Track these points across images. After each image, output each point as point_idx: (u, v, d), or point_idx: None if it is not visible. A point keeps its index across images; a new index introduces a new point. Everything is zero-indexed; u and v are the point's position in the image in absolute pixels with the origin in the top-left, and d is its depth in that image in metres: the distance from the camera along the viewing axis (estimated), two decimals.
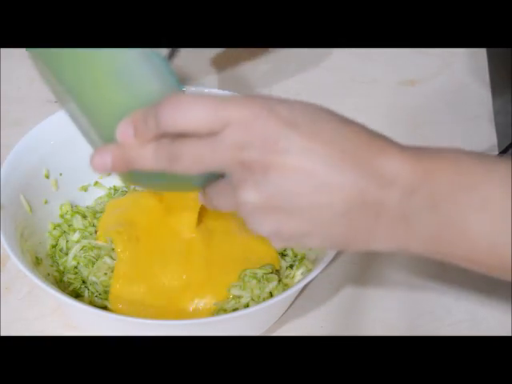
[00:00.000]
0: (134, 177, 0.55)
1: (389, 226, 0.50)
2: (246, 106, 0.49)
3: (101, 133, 0.54)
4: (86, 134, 0.59)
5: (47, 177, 0.72)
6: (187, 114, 0.49)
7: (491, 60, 0.94)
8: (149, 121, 0.50)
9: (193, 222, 0.68)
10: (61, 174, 0.73)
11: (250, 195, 0.50)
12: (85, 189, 0.76)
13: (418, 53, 0.94)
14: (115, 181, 0.77)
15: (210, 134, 0.49)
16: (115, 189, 0.77)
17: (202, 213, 0.71)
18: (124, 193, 0.76)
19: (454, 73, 0.94)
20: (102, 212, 0.73)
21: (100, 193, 0.77)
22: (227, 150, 0.49)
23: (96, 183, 0.76)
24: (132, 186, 0.76)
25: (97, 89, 0.52)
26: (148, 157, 0.51)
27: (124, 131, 0.51)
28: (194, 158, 0.50)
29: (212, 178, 0.54)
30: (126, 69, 0.51)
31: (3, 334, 0.66)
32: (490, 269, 0.51)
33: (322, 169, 0.49)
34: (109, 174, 0.70)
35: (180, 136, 0.50)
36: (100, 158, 0.52)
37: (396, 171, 0.49)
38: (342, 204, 0.49)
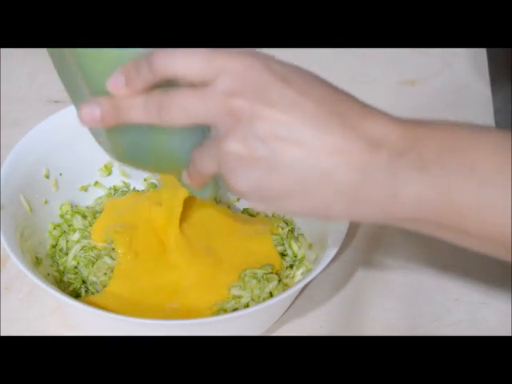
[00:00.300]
0: (122, 150, 0.55)
1: (374, 189, 0.48)
2: (241, 57, 0.49)
3: (93, 88, 0.54)
4: (77, 96, 0.58)
5: (47, 177, 0.72)
6: (180, 60, 0.49)
7: (491, 60, 0.94)
8: (141, 68, 0.50)
9: (177, 237, 0.69)
10: (61, 174, 0.73)
11: (234, 145, 0.49)
12: (85, 189, 0.76)
13: (418, 53, 0.94)
14: (115, 181, 0.77)
15: (202, 85, 0.49)
16: (115, 189, 0.77)
17: (204, 213, 0.71)
18: (124, 193, 0.76)
19: (454, 73, 0.94)
20: (101, 212, 0.73)
21: (100, 193, 0.77)
22: (217, 97, 0.48)
23: (96, 183, 0.76)
24: (126, 167, 0.75)
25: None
26: (138, 107, 0.51)
27: (115, 81, 0.51)
28: (183, 107, 0.49)
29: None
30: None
31: (3, 334, 0.66)
32: (479, 241, 0.50)
33: (310, 126, 0.48)
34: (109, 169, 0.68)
35: (171, 87, 0.50)
36: (89, 109, 0.52)
37: (384, 135, 0.48)
38: (326, 163, 0.48)
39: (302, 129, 0.48)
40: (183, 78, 0.49)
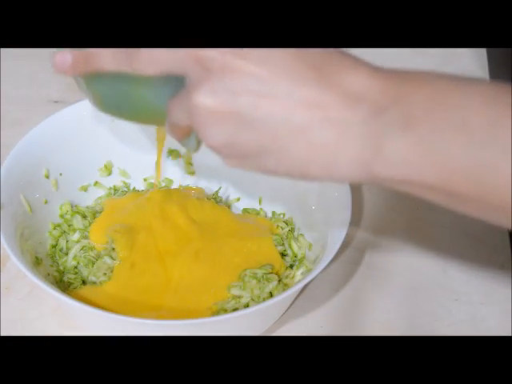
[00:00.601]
0: (101, 100, 0.56)
1: (353, 147, 0.45)
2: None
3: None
4: None
5: (47, 177, 0.72)
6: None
7: (491, 60, 0.94)
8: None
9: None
10: (61, 174, 0.73)
11: (204, 98, 0.46)
12: (85, 189, 0.76)
13: (418, 53, 0.94)
14: (115, 181, 0.77)
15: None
16: (115, 189, 0.77)
17: (203, 213, 0.71)
18: (124, 193, 0.76)
19: (454, 73, 0.94)
20: (101, 212, 0.73)
21: (100, 193, 0.77)
22: (188, 47, 0.47)
23: (96, 183, 0.76)
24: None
25: None
26: (107, 55, 0.51)
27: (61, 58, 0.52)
28: (152, 54, 0.49)
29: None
30: None
31: (3, 334, 0.66)
32: (473, 205, 0.46)
33: (284, 78, 0.45)
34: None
35: None
36: (61, 56, 0.52)
37: (364, 88, 0.45)
38: (301, 119, 0.45)
39: (275, 81, 0.45)
40: None
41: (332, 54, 0.47)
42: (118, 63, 0.50)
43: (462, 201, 0.46)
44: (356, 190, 0.78)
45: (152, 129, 0.67)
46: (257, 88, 0.46)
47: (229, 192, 0.78)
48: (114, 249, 0.68)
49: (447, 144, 0.44)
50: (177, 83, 0.51)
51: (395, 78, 0.46)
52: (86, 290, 0.67)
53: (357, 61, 0.47)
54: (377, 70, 0.46)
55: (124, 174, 0.78)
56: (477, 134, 0.43)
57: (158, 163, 0.69)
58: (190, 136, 0.54)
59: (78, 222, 0.72)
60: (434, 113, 0.44)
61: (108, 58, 0.51)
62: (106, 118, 0.75)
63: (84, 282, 0.68)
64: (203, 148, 0.75)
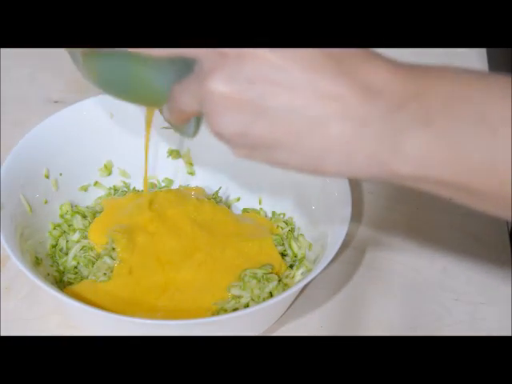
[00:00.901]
0: (99, 76, 0.54)
1: (371, 142, 0.44)
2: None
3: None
4: None
5: (47, 177, 0.72)
6: None
7: (491, 60, 0.94)
8: None
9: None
10: (61, 174, 0.73)
11: (219, 84, 0.45)
12: (85, 189, 0.76)
13: (418, 53, 0.93)
14: (115, 181, 0.77)
15: None
16: (115, 189, 0.77)
17: (204, 214, 0.71)
18: (124, 193, 0.76)
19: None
20: (101, 212, 0.73)
21: (100, 193, 0.77)
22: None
23: (96, 183, 0.76)
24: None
25: None
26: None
27: None
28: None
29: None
30: None
31: (3, 334, 0.66)
32: (486, 200, 0.45)
33: (302, 69, 0.44)
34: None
35: None
36: None
37: (384, 83, 0.44)
38: (318, 111, 0.44)
39: (293, 72, 0.44)
40: None
41: (355, 50, 0.46)
42: None
43: (481, 198, 0.45)
44: (356, 190, 0.78)
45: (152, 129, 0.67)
46: (274, 77, 0.44)
47: (229, 192, 0.78)
48: (114, 249, 0.68)
49: (468, 140, 0.43)
50: (182, 67, 0.49)
51: (415, 73, 0.45)
52: (84, 287, 0.67)
53: (377, 56, 0.46)
54: (396, 65, 0.45)
55: (124, 174, 0.78)
56: (497, 130, 0.43)
57: (146, 147, 0.67)
58: (188, 122, 0.53)
59: (77, 222, 0.72)
60: (453, 107, 0.44)
61: None
62: (106, 118, 0.75)
63: None
64: (203, 148, 0.76)
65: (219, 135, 0.47)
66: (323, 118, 0.44)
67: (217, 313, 0.65)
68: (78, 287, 0.67)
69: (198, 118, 0.53)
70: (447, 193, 0.46)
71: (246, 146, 0.46)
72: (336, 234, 0.65)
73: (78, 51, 0.52)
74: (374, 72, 0.45)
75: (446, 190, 0.46)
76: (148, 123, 0.66)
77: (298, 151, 0.45)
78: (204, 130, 0.51)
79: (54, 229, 0.72)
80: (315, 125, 0.44)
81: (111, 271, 0.67)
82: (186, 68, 0.49)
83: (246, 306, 0.66)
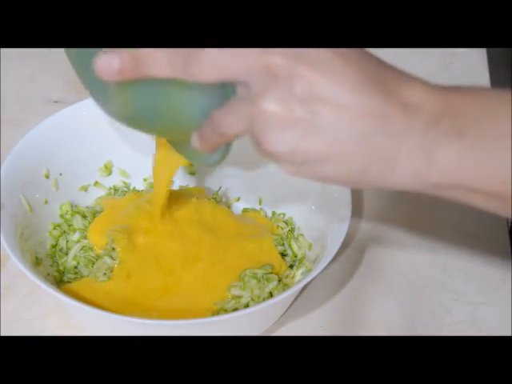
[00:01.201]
0: (129, 108, 0.51)
1: (410, 155, 0.48)
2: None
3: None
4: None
5: (47, 177, 0.72)
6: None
7: (491, 60, 0.94)
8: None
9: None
10: (61, 174, 0.73)
11: (271, 104, 0.47)
12: (85, 189, 0.76)
13: (418, 53, 0.94)
14: (115, 181, 0.77)
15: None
16: (115, 189, 0.77)
17: (204, 214, 0.71)
18: (124, 193, 0.76)
19: (454, 73, 0.94)
20: (101, 212, 0.73)
21: (100, 193, 0.77)
22: (253, 53, 0.47)
23: (96, 183, 0.76)
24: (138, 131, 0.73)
25: None
26: (161, 59, 0.48)
27: (106, 62, 0.49)
28: (214, 62, 0.47)
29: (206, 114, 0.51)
30: None
31: (3, 334, 0.66)
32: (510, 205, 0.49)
33: (351, 89, 0.47)
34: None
35: None
36: (107, 60, 0.49)
37: (422, 100, 0.48)
38: (364, 128, 0.47)
39: (341, 91, 0.47)
40: None
41: (387, 67, 0.49)
42: (174, 70, 0.48)
43: (502, 202, 0.49)
44: (356, 190, 0.78)
45: None
46: (324, 96, 0.47)
47: (229, 192, 0.78)
48: (114, 249, 0.68)
49: (496, 151, 0.47)
50: (222, 90, 0.50)
51: (448, 90, 0.49)
52: (83, 285, 0.67)
53: (409, 75, 0.50)
54: (429, 85, 0.49)
55: (124, 173, 0.78)
56: None
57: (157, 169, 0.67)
58: (217, 149, 0.53)
59: (77, 222, 0.72)
60: (484, 123, 0.48)
61: (162, 63, 0.48)
62: (106, 118, 0.75)
63: None
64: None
65: (270, 153, 0.49)
66: (369, 134, 0.47)
67: (217, 313, 0.65)
68: (76, 285, 0.66)
69: (228, 145, 0.53)
70: (483, 202, 0.50)
71: (295, 163, 0.49)
72: (336, 234, 0.65)
73: (111, 81, 0.50)
74: (410, 90, 0.48)
75: (481, 199, 0.50)
76: (161, 145, 0.64)
77: (344, 165, 0.48)
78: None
79: (54, 229, 0.72)
80: (361, 141, 0.48)
81: (111, 271, 0.67)
82: (225, 92, 0.50)
83: (246, 306, 0.66)
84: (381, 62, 0.49)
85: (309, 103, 0.47)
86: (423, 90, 0.48)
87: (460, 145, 0.47)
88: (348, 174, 0.49)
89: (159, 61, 0.48)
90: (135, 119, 0.54)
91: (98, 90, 0.53)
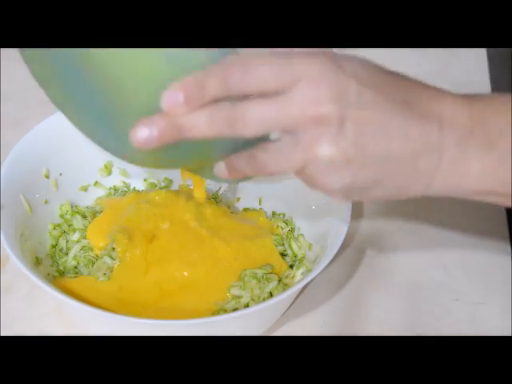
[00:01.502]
0: (157, 158, 0.52)
1: (448, 169, 0.52)
2: (312, 61, 0.49)
3: (130, 114, 0.51)
4: (99, 130, 0.56)
5: (47, 177, 0.72)
6: (256, 73, 0.48)
7: (491, 60, 0.94)
8: (208, 84, 0.48)
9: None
10: (61, 174, 0.73)
11: (326, 149, 0.50)
12: (85, 189, 0.76)
13: (418, 53, 0.94)
14: (115, 181, 0.77)
15: (277, 93, 0.49)
16: (115, 189, 0.77)
17: (204, 213, 0.71)
18: (124, 193, 0.76)
19: (453, 73, 0.94)
20: (101, 212, 0.73)
21: (100, 193, 0.77)
22: (298, 105, 0.49)
23: (96, 183, 0.76)
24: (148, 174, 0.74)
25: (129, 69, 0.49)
26: (201, 123, 0.49)
27: (171, 99, 0.48)
28: (261, 117, 0.49)
29: (235, 148, 0.52)
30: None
31: (3, 334, 0.66)
32: None
33: (390, 119, 0.50)
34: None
35: (241, 98, 0.49)
36: (144, 130, 0.48)
37: (453, 115, 0.51)
38: (411, 150, 0.51)
39: (384, 123, 0.50)
40: (257, 90, 0.49)
41: (416, 85, 0.52)
42: (219, 130, 0.49)
43: None
44: None
45: None
46: (370, 133, 0.50)
47: (229, 192, 0.78)
48: (114, 249, 0.68)
49: None
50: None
51: (476, 101, 0.52)
52: (81, 283, 0.66)
53: (436, 89, 0.52)
54: (457, 96, 0.52)
55: (124, 173, 0.78)
56: None
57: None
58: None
59: (77, 222, 0.72)
60: (510, 134, 0.51)
61: (204, 127, 0.49)
62: None
63: None
64: None
65: (327, 191, 0.52)
66: (413, 156, 0.51)
67: (217, 313, 0.65)
68: (76, 282, 0.66)
69: None
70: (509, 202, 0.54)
71: (349, 194, 0.52)
72: (336, 234, 0.65)
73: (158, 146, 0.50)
74: (442, 106, 0.51)
75: (509, 200, 0.54)
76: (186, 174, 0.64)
77: (390, 187, 0.52)
78: None
79: (54, 229, 0.72)
80: (405, 164, 0.51)
81: (111, 271, 0.67)
82: None
83: (246, 306, 0.66)
84: (408, 81, 0.52)
85: (359, 143, 0.50)
86: (453, 104, 0.51)
87: (490, 156, 0.51)
88: (393, 194, 0.53)
89: (201, 124, 0.49)
90: (155, 164, 0.55)
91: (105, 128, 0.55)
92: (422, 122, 0.51)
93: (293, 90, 0.49)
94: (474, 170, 0.52)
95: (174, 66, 0.49)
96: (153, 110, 0.48)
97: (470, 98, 0.52)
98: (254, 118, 0.49)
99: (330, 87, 0.49)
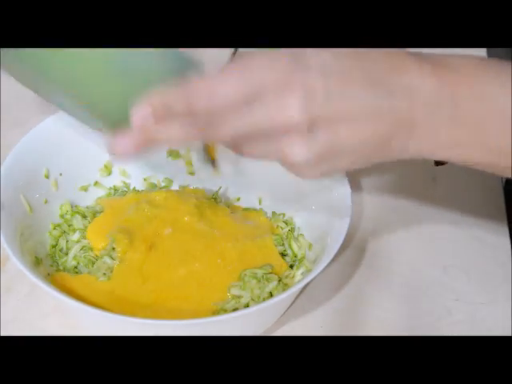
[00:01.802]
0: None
1: (420, 140, 0.52)
2: (275, 66, 0.49)
3: (106, 121, 0.54)
4: (85, 120, 0.58)
5: (47, 177, 0.72)
6: (219, 96, 0.49)
7: None
8: (175, 105, 0.50)
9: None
10: (61, 174, 0.74)
11: (298, 155, 0.51)
12: (85, 189, 0.76)
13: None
14: (115, 181, 0.77)
15: (247, 104, 0.50)
16: (115, 189, 0.77)
17: (204, 213, 0.71)
18: (124, 193, 0.76)
19: None
20: (101, 212, 0.73)
21: (100, 193, 0.77)
22: (266, 116, 0.50)
23: (96, 183, 0.76)
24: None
25: (96, 82, 0.52)
26: (175, 131, 0.51)
27: (140, 116, 0.51)
28: (231, 132, 0.51)
29: None
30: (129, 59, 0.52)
31: (3, 334, 0.66)
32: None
33: (362, 106, 0.50)
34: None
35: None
36: (120, 145, 0.52)
37: (420, 85, 0.51)
38: (384, 132, 0.51)
39: (354, 114, 0.50)
40: (224, 108, 0.50)
41: (382, 62, 0.52)
42: (190, 136, 0.52)
43: (494, 168, 0.55)
44: (356, 189, 0.78)
45: None
46: (343, 126, 0.51)
47: (229, 192, 0.78)
48: (114, 249, 0.68)
49: (489, 129, 0.52)
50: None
51: (443, 70, 0.52)
52: (83, 282, 0.66)
53: (403, 58, 0.52)
54: (422, 63, 0.52)
55: (124, 173, 0.78)
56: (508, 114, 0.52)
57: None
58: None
59: (77, 221, 0.72)
60: (480, 108, 0.52)
61: (177, 131, 0.52)
62: None
63: None
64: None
65: (302, 178, 0.54)
66: (387, 135, 0.52)
67: (217, 313, 0.65)
68: (75, 281, 0.66)
69: None
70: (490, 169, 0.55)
71: (323, 174, 0.53)
72: (336, 234, 0.65)
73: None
74: (409, 77, 0.52)
75: (488, 168, 0.55)
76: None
77: (367, 161, 0.53)
78: None
79: (54, 229, 0.72)
80: (382, 143, 0.52)
81: (111, 271, 0.67)
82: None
83: (246, 306, 0.66)
84: (376, 59, 0.52)
85: (331, 138, 0.51)
86: (419, 71, 0.52)
87: (460, 130, 0.52)
88: (360, 163, 0.53)
89: (173, 131, 0.52)
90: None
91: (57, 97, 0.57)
92: (391, 100, 0.51)
93: (261, 99, 0.50)
94: (443, 142, 0.53)
95: (114, 66, 0.52)
96: (115, 97, 0.53)
97: (437, 63, 0.53)
98: (225, 133, 0.51)
99: (295, 92, 0.49)
